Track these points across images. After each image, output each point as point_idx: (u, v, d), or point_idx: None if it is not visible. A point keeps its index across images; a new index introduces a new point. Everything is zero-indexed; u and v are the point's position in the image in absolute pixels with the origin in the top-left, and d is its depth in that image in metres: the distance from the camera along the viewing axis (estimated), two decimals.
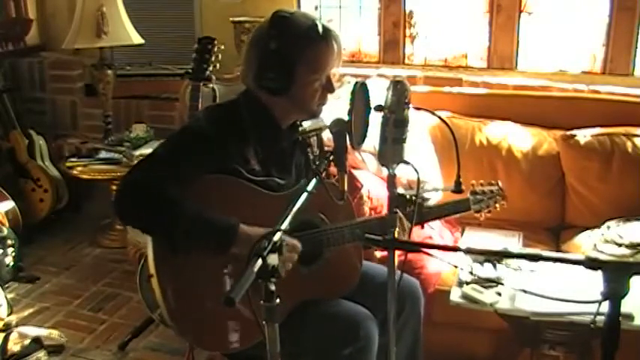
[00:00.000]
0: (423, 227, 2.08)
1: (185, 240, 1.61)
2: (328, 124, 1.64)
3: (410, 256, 2.14)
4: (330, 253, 1.83)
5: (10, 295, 3.04)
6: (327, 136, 1.67)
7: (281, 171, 1.82)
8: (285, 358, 1.32)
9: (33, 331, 2.67)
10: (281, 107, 1.79)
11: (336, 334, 1.74)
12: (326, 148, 1.71)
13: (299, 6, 3.67)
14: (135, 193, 1.63)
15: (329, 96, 1.79)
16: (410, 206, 1.83)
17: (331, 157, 1.57)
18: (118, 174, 3.48)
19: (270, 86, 1.73)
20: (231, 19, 3.54)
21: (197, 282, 1.66)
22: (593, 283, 1.14)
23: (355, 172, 2.46)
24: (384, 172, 1.44)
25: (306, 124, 1.77)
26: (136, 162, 3.09)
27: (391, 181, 1.43)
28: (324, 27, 1.74)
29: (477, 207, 2.05)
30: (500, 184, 2.12)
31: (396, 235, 1.43)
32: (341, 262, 1.86)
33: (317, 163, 1.67)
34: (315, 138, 1.81)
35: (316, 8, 3.73)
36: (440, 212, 2.03)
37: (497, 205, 2.09)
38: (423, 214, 1.96)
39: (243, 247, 1.54)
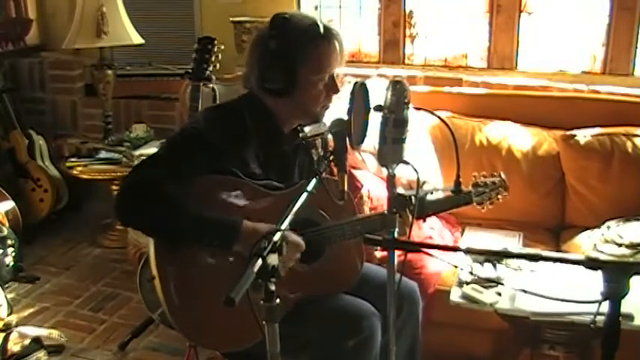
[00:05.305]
0: (424, 221, 2.05)
1: (187, 238, 1.62)
2: (329, 125, 1.63)
3: (410, 256, 2.14)
4: (331, 250, 1.83)
5: (10, 295, 3.03)
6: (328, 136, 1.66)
7: (281, 174, 1.82)
8: (288, 352, 1.32)
9: (33, 331, 2.67)
10: (284, 110, 1.78)
11: (339, 326, 1.74)
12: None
13: (299, 6, 3.67)
14: (134, 194, 1.63)
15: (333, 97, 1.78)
16: (410, 206, 1.80)
17: (331, 157, 1.56)
18: (118, 174, 3.48)
19: (274, 87, 1.72)
20: (231, 19, 3.54)
21: (199, 281, 1.66)
22: (593, 283, 1.14)
23: (355, 172, 2.46)
24: (384, 172, 1.44)
25: (308, 129, 1.75)
26: (136, 162, 3.14)
27: (391, 181, 1.43)
28: (325, 26, 1.73)
29: (478, 199, 2.01)
30: (502, 175, 2.06)
31: (396, 233, 1.43)
32: (341, 259, 1.86)
33: (318, 163, 1.67)
34: (319, 140, 1.79)
35: (316, 8, 3.73)
36: (441, 206, 1.99)
37: (499, 197, 2.04)
38: (424, 207, 1.92)
39: (247, 243, 1.53)
